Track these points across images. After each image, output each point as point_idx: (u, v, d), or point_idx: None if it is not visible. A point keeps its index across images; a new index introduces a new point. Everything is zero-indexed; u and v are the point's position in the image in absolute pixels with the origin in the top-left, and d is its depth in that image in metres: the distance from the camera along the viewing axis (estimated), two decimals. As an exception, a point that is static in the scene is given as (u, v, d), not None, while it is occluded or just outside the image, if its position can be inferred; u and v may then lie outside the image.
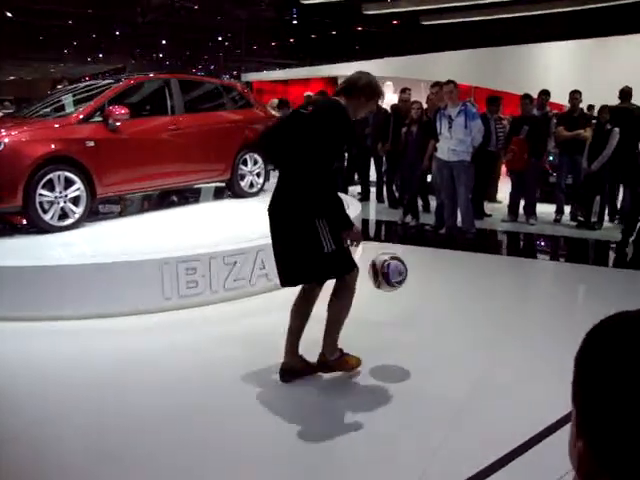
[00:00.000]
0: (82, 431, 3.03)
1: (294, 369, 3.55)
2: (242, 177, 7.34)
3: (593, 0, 19.11)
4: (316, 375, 3.60)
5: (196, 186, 7.66)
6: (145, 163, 6.23)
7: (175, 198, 7.58)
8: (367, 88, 3.43)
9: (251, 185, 7.48)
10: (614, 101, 8.84)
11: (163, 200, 7.43)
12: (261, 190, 7.59)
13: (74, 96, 6.43)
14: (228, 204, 7.23)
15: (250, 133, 7.26)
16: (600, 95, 9.68)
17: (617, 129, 8.06)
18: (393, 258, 3.62)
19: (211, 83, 7.70)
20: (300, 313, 3.57)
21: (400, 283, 3.60)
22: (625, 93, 8.64)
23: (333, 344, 3.53)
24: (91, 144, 5.67)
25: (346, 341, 3.56)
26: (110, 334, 4.24)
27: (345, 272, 3.40)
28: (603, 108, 8.44)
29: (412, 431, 3.04)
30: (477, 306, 5.03)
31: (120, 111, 5.81)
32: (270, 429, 3.05)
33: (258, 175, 7.54)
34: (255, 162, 7.45)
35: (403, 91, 9.54)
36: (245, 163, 7.34)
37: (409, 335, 4.28)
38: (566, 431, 0.74)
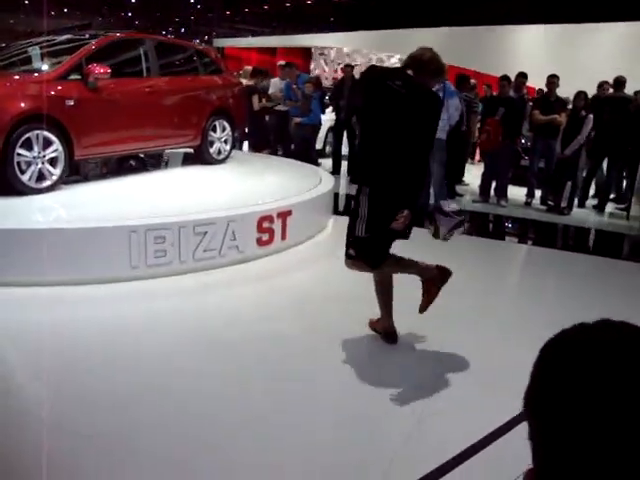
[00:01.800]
0: (51, 403, 2.89)
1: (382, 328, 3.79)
2: (211, 144, 7.23)
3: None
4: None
5: (166, 151, 7.47)
6: (124, 125, 6.00)
7: (144, 164, 7.35)
8: (432, 65, 3.41)
9: (219, 152, 7.39)
10: (590, 88, 8.94)
11: (132, 165, 7.18)
12: (228, 157, 7.52)
13: (47, 50, 6.10)
14: (197, 171, 7.03)
15: (220, 99, 7.24)
16: (576, 81, 9.70)
17: (591, 116, 8.11)
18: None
19: (185, 47, 7.48)
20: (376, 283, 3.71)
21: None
22: (619, 82, 8.79)
23: (383, 317, 3.73)
24: (71, 103, 5.37)
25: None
26: (78, 303, 4.07)
27: (375, 266, 3.53)
28: (579, 94, 8.46)
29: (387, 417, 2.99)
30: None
31: (101, 70, 5.55)
32: (243, 393, 2.96)
33: (226, 142, 7.48)
34: (224, 129, 7.36)
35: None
36: (214, 129, 7.23)
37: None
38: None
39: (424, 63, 3.39)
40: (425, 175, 3.58)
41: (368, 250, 3.46)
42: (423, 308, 3.68)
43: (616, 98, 8.87)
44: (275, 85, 10.24)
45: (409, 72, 3.41)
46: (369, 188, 3.41)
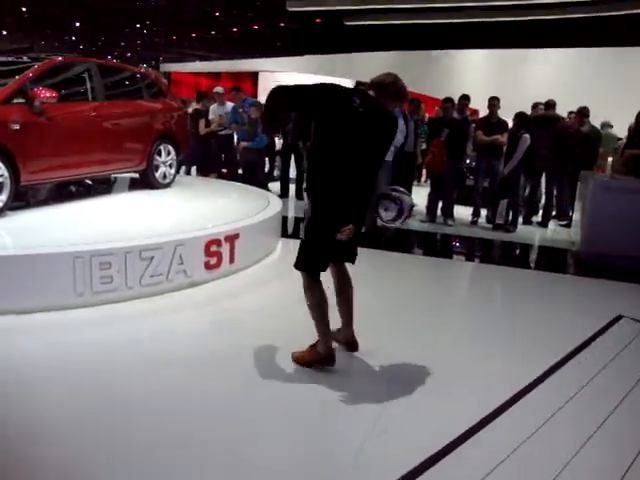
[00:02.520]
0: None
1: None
2: (156, 168, 7.20)
3: (514, 13, 19.87)
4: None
5: (112, 176, 7.37)
6: (71, 150, 5.88)
7: (89, 188, 7.22)
8: (392, 87, 3.51)
9: (164, 176, 7.37)
10: (527, 108, 9.35)
11: (73, 191, 7.04)
12: (172, 181, 7.50)
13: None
14: (143, 196, 6.95)
15: (164, 123, 7.23)
16: (514, 103, 10.06)
17: (527, 135, 8.39)
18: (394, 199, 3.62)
19: (128, 70, 7.41)
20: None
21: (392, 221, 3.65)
22: (548, 105, 9.56)
23: (319, 335, 3.63)
24: (16, 127, 5.23)
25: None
26: (20, 332, 3.95)
27: (296, 266, 3.58)
28: (516, 115, 8.76)
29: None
30: (388, 301, 5.11)
31: (47, 94, 5.44)
32: (185, 416, 2.92)
33: (170, 166, 7.46)
34: (168, 153, 7.36)
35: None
36: (159, 154, 7.22)
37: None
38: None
39: (385, 85, 3.50)
40: (371, 194, 3.63)
41: (300, 251, 3.56)
42: (295, 358, 3.70)
43: (543, 117, 9.36)
44: (213, 111, 10.25)
45: (371, 93, 3.51)
46: (313, 197, 3.49)
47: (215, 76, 30.23)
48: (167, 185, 7.39)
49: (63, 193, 6.71)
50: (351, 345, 3.90)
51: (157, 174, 7.22)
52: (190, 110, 11.13)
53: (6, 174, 5.14)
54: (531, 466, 2.78)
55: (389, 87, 3.51)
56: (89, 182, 7.26)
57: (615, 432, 3.13)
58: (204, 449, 2.75)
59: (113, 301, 4.47)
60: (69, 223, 5.42)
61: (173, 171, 7.53)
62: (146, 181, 7.19)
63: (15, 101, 5.38)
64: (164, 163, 7.30)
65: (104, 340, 3.94)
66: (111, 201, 6.64)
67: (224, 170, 10.35)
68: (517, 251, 8.14)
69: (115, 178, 7.61)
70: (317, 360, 3.63)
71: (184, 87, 27.60)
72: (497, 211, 8.78)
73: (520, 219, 9.17)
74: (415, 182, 11.79)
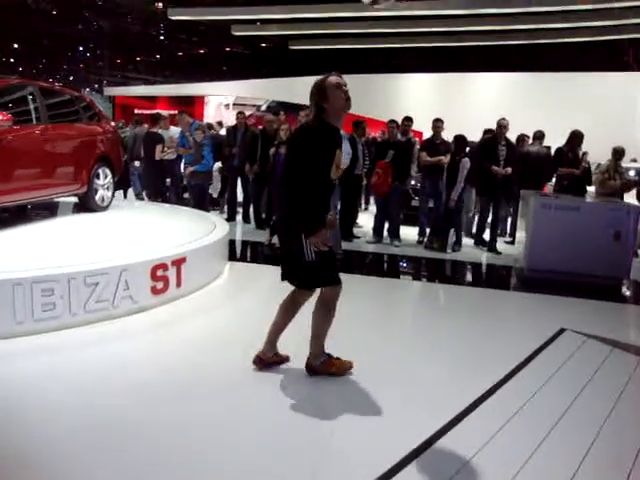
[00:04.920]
0: None
1: (264, 358, 3.91)
2: (95, 191, 7.13)
3: (456, 39, 20.51)
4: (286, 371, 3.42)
5: (50, 200, 7.19)
6: (20, 174, 5.74)
7: (28, 213, 7.02)
8: (313, 90, 3.60)
9: (102, 199, 7.30)
10: (469, 131, 9.55)
11: (16, 215, 6.83)
12: (110, 204, 7.45)
13: None
14: (85, 220, 6.80)
15: (102, 146, 7.22)
16: (457, 125, 10.31)
17: (467, 159, 8.57)
18: None
19: (66, 93, 7.30)
20: (285, 310, 3.84)
21: None
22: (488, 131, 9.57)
23: (316, 350, 3.84)
24: None
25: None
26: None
27: (321, 284, 3.71)
28: (455, 138, 8.94)
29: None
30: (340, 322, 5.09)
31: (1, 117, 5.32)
32: (132, 445, 2.84)
33: (108, 189, 7.43)
34: (106, 176, 7.31)
35: (275, 113, 9.66)
36: (98, 177, 7.16)
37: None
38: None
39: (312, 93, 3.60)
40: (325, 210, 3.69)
41: (312, 271, 3.67)
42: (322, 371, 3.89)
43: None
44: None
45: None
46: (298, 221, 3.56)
47: (160, 100, 29.99)
48: (105, 208, 7.34)
49: (9, 218, 6.51)
50: (287, 359, 4.06)
51: (97, 197, 7.16)
52: (126, 134, 11.06)
53: None
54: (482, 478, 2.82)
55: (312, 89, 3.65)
56: (26, 207, 7.06)
57: (562, 439, 3.20)
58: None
59: (56, 329, 4.34)
60: (7, 249, 5.24)
61: (110, 194, 7.50)
62: (86, 204, 7.11)
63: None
64: (102, 186, 7.26)
65: (47, 370, 3.81)
66: (51, 226, 6.45)
67: (168, 194, 10.26)
68: (462, 269, 8.29)
69: (54, 202, 7.43)
70: (342, 369, 3.92)
71: (128, 111, 27.31)
72: (447, 242, 8.84)
73: (470, 240, 9.34)
74: (362, 207, 11.97)
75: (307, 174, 3.46)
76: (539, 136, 9.45)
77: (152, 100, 30.95)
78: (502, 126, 8.70)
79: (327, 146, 3.54)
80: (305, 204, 3.48)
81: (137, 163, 11.24)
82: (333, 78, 3.59)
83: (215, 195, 11.24)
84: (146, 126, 11.40)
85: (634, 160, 15.00)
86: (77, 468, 2.75)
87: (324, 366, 3.86)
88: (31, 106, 6.11)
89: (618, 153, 9.41)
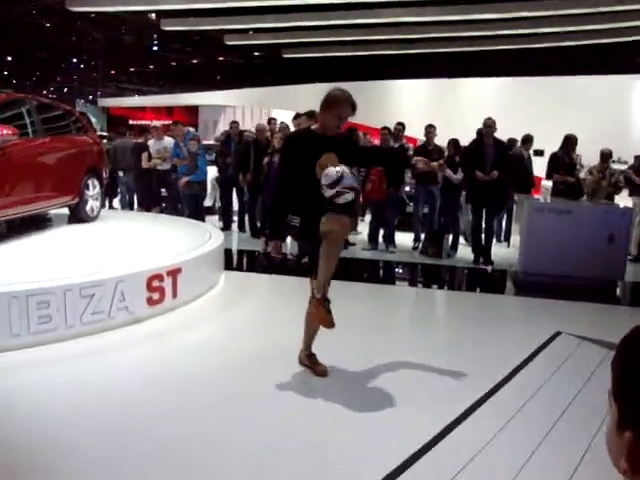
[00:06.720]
0: None
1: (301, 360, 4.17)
2: (85, 202, 7.22)
3: (448, 45, 20.60)
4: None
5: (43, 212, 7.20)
6: (20, 187, 5.80)
7: (19, 226, 7.01)
8: (323, 100, 3.88)
9: (92, 210, 7.39)
10: (462, 135, 9.58)
11: (9, 227, 6.83)
12: (98, 215, 7.52)
13: None
14: (79, 231, 6.82)
15: (92, 158, 7.35)
16: (450, 130, 10.35)
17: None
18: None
19: (57, 107, 7.41)
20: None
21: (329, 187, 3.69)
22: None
23: (304, 344, 4.14)
24: None
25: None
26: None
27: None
28: (449, 142, 8.99)
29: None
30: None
31: (3, 131, 5.34)
32: (130, 456, 2.84)
33: (97, 199, 7.52)
34: (94, 186, 7.41)
35: (268, 122, 9.68)
36: (88, 187, 7.25)
37: (277, 366, 4.22)
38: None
39: (322, 102, 3.87)
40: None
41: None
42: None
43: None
44: (152, 146, 10.18)
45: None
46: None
47: (154, 110, 30.02)
48: (94, 219, 7.43)
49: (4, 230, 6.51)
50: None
51: (87, 208, 7.24)
52: (108, 146, 11.08)
53: None
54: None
55: (323, 101, 3.92)
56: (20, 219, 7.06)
57: (559, 442, 3.21)
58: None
59: (53, 341, 4.34)
60: (2, 262, 5.25)
61: (99, 204, 7.61)
62: (77, 215, 7.19)
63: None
64: (91, 197, 7.35)
65: (45, 382, 3.82)
66: (45, 238, 6.46)
67: (164, 205, 10.27)
68: (458, 275, 8.31)
69: (46, 214, 7.44)
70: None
71: (122, 122, 27.33)
72: (443, 248, 8.85)
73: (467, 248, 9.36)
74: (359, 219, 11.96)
75: (285, 181, 3.83)
76: (526, 140, 9.47)
77: (146, 111, 31.01)
78: (488, 126, 8.21)
79: (305, 151, 3.78)
80: (274, 211, 3.95)
81: (121, 173, 11.21)
82: (335, 93, 3.89)
83: (210, 204, 11.25)
84: (128, 137, 11.57)
85: (624, 162, 15.06)
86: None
87: (304, 358, 4.14)
88: (27, 120, 6.17)
89: (605, 155, 9.45)
